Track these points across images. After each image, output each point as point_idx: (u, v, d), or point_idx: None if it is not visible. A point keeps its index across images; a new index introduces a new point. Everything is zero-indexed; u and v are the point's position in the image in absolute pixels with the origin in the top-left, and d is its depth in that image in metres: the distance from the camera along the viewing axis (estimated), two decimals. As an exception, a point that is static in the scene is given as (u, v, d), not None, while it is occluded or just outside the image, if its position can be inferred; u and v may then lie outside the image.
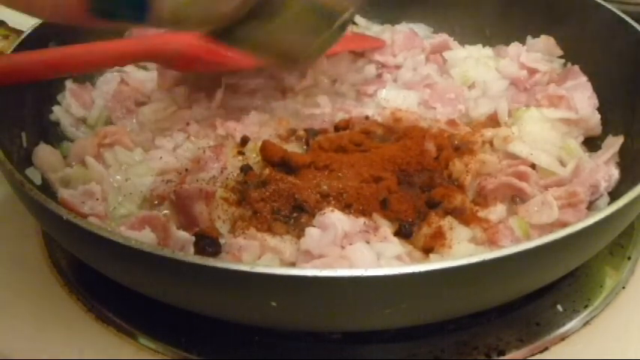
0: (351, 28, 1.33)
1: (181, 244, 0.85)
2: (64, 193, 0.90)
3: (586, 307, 0.87)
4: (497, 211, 0.91)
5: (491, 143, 1.03)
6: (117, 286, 0.79)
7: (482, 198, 0.95)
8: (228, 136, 1.05)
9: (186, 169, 0.98)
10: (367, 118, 1.10)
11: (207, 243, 0.85)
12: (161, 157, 1.00)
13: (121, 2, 0.61)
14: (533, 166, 0.98)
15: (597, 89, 1.10)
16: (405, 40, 1.24)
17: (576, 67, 1.14)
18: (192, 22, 0.66)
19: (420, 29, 1.31)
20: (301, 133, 1.06)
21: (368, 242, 0.82)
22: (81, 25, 0.72)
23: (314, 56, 0.76)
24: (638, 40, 1.04)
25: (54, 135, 1.06)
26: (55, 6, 0.60)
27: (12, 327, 0.85)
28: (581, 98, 1.09)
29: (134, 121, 1.10)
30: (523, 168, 0.96)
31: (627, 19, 1.07)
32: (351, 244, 0.81)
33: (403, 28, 1.29)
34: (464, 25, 1.30)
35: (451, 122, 1.08)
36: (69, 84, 1.10)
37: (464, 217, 0.90)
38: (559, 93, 1.09)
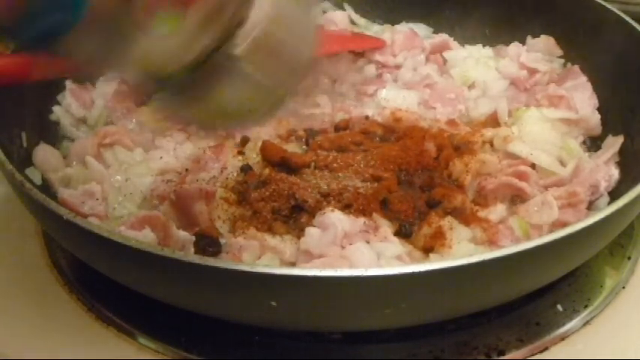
0: (351, 28, 1.33)
1: (181, 244, 0.85)
2: (64, 193, 0.90)
3: (586, 307, 0.87)
4: (497, 211, 0.91)
5: (491, 143, 1.03)
6: (117, 286, 0.79)
7: (483, 198, 0.95)
8: (228, 136, 1.05)
9: (186, 169, 0.98)
10: (367, 118, 1.10)
11: (207, 243, 0.85)
12: (161, 157, 1.00)
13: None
14: (533, 166, 0.98)
15: (597, 89, 1.10)
16: (405, 40, 1.24)
17: (576, 67, 1.14)
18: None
19: (420, 29, 1.30)
20: (301, 133, 1.06)
21: (368, 242, 0.82)
22: None
23: (234, 125, 0.73)
24: (638, 40, 1.03)
25: (54, 135, 1.06)
26: None
27: (12, 327, 0.85)
28: (581, 98, 1.09)
29: (134, 121, 1.10)
30: (523, 168, 0.96)
31: (627, 19, 1.06)
32: (351, 244, 0.81)
33: (403, 28, 1.29)
34: (464, 25, 1.30)
35: (451, 122, 1.08)
36: (69, 84, 1.10)
37: (464, 217, 0.90)
38: (559, 93, 1.09)
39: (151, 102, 0.65)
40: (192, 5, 0.57)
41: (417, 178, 0.95)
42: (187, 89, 0.62)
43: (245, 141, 1.04)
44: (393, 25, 1.32)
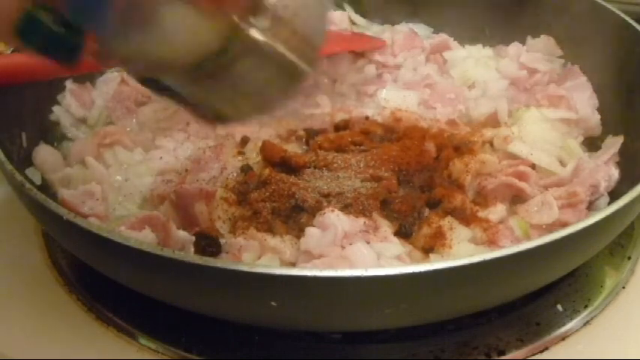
0: (351, 28, 1.33)
1: (181, 244, 0.85)
2: (64, 193, 0.90)
3: (586, 307, 0.87)
4: (497, 211, 0.91)
5: (491, 143, 1.03)
6: (117, 286, 0.79)
7: (483, 198, 0.95)
8: (228, 136, 1.05)
9: (186, 169, 0.98)
10: (367, 118, 1.10)
11: (207, 243, 0.85)
12: (161, 157, 1.00)
13: (52, 43, 0.56)
14: (533, 166, 0.98)
15: (597, 89, 1.10)
16: (405, 40, 1.24)
17: (576, 67, 1.14)
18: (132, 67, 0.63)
19: (420, 29, 1.30)
20: (301, 133, 1.06)
21: (368, 242, 0.82)
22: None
23: (259, 113, 0.71)
24: (638, 40, 1.03)
25: (54, 135, 1.06)
26: None
27: (12, 327, 0.85)
28: (581, 98, 1.09)
29: (134, 121, 1.10)
30: (523, 168, 0.96)
31: (627, 19, 1.06)
32: (351, 244, 0.81)
33: (403, 28, 1.29)
34: (464, 25, 1.30)
35: (451, 122, 1.08)
36: (69, 84, 1.10)
37: (464, 217, 0.90)
38: (559, 93, 1.09)
39: (163, 97, 0.65)
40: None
41: (417, 178, 0.95)
42: (204, 78, 0.62)
43: (245, 141, 1.04)
44: (393, 25, 1.32)
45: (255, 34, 0.60)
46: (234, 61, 0.61)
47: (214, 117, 0.68)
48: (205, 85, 0.63)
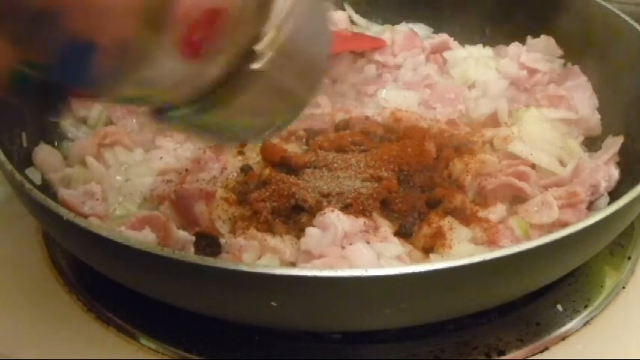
0: (351, 28, 1.33)
1: (181, 244, 0.85)
2: (64, 193, 0.90)
3: (586, 307, 0.87)
4: (497, 211, 0.91)
5: (491, 143, 1.03)
6: (117, 286, 0.79)
7: (482, 198, 0.95)
8: (228, 136, 1.05)
9: (186, 169, 0.98)
10: (367, 118, 1.10)
11: (207, 243, 0.85)
12: (161, 157, 1.00)
13: (38, 98, 0.55)
14: (533, 166, 0.98)
15: (597, 89, 1.10)
16: (405, 40, 1.24)
17: (576, 67, 1.14)
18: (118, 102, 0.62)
19: (420, 29, 1.30)
20: (301, 133, 1.06)
21: (368, 242, 0.82)
22: None
23: (265, 135, 0.71)
24: (638, 40, 1.03)
25: (54, 135, 1.06)
26: None
27: (12, 327, 0.85)
28: (581, 98, 1.09)
29: (134, 121, 1.09)
30: (523, 168, 0.96)
31: (627, 19, 1.06)
32: (351, 244, 0.81)
33: (403, 28, 1.29)
34: (464, 25, 1.30)
35: (451, 122, 1.08)
36: (69, 84, 1.10)
37: (464, 217, 0.90)
38: (559, 93, 1.09)
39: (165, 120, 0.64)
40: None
41: (417, 178, 0.95)
42: (205, 108, 0.61)
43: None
44: (393, 25, 1.32)
45: (253, 65, 0.58)
46: (234, 93, 0.59)
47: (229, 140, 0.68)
48: (208, 113, 0.62)
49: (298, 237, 0.84)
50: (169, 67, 0.55)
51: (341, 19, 1.32)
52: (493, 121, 1.09)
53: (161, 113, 0.62)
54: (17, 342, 0.84)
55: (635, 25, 1.05)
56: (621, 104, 1.05)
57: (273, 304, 0.67)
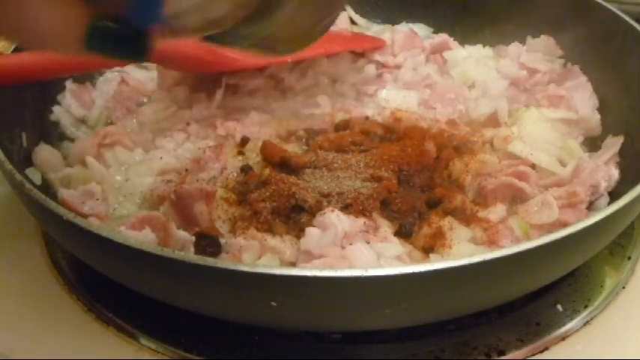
0: (351, 28, 1.33)
1: (181, 244, 0.85)
2: (64, 193, 0.90)
3: (586, 307, 0.87)
4: (497, 211, 0.91)
5: (491, 143, 1.03)
6: (117, 286, 0.79)
7: (483, 198, 0.95)
8: (228, 136, 1.05)
9: (186, 169, 0.98)
10: (367, 118, 1.10)
11: (207, 243, 0.85)
12: (161, 157, 1.00)
13: (121, 45, 0.60)
14: (533, 166, 0.98)
15: (597, 89, 1.10)
16: (405, 40, 1.24)
17: (576, 67, 1.14)
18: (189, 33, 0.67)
19: (420, 29, 1.31)
20: (301, 133, 1.06)
21: (368, 242, 0.82)
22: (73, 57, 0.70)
23: (318, 36, 0.77)
24: (638, 40, 1.04)
25: (54, 135, 1.06)
26: (49, 36, 0.57)
27: (12, 327, 0.85)
28: (581, 98, 1.09)
29: (134, 121, 1.10)
30: (523, 168, 0.96)
31: (627, 19, 1.07)
32: (351, 244, 0.81)
33: (403, 28, 1.29)
34: (464, 25, 1.30)
35: (451, 122, 1.08)
36: (69, 84, 1.10)
37: (464, 217, 0.90)
38: (559, 93, 1.09)
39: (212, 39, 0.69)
40: None
41: (417, 178, 0.95)
42: (258, 21, 0.66)
43: (245, 141, 1.04)
44: (393, 25, 1.32)
45: None
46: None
47: (285, 48, 0.75)
48: (262, 25, 0.67)
49: (298, 237, 0.84)
50: None
51: (341, 19, 1.32)
52: (493, 121, 1.09)
53: (222, 36, 0.67)
54: (17, 342, 0.84)
55: (635, 25, 1.05)
56: (621, 104, 1.06)
57: (273, 304, 0.67)
